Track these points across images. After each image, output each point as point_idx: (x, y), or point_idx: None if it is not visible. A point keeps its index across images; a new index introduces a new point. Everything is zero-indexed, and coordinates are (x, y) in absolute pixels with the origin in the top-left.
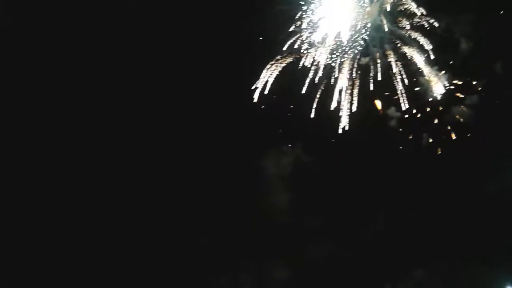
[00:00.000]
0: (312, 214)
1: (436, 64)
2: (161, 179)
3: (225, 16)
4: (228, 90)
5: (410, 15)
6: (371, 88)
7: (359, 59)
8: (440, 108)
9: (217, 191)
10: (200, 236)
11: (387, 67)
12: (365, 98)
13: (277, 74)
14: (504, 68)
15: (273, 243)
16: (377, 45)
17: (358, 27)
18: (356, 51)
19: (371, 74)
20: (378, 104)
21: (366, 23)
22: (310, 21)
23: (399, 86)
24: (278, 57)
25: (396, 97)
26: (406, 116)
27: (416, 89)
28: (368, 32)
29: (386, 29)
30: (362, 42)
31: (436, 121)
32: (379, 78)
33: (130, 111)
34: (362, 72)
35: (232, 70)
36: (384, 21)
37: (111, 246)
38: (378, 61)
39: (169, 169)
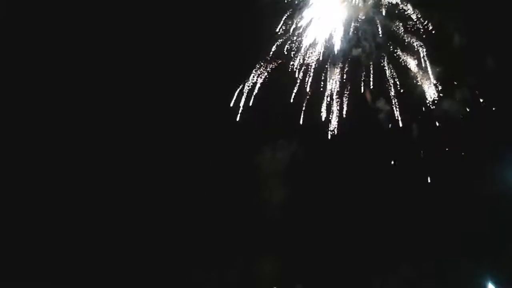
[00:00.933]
0: (303, 210)
1: (428, 59)
2: (152, 175)
3: (220, 15)
4: (220, 89)
5: (403, 10)
6: (362, 80)
7: (350, 51)
8: (430, 104)
9: (210, 188)
10: (191, 231)
11: (378, 60)
12: (356, 93)
13: (267, 76)
14: (497, 63)
15: (262, 238)
16: (368, 38)
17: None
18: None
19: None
20: (368, 97)
21: (358, 17)
22: (301, 19)
23: (390, 80)
24: (268, 58)
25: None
26: (396, 110)
27: (402, 90)
28: (359, 25)
29: (378, 23)
30: (353, 35)
31: (426, 116)
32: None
33: (122, 110)
34: (353, 67)
35: (221, 69)
36: (376, 17)
37: (98, 241)
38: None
39: (161, 166)
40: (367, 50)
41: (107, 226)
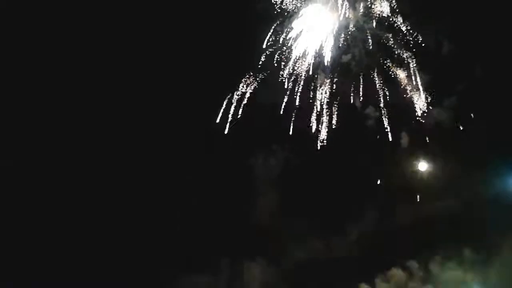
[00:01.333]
0: (295, 215)
1: (417, 66)
2: (147, 177)
3: (210, 25)
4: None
5: (393, 22)
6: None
7: (340, 61)
8: (420, 110)
9: (203, 191)
10: (182, 233)
11: (367, 67)
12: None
13: (256, 86)
14: (484, 71)
15: (253, 243)
16: (358, 45)
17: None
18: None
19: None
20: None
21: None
22: (291, 29)
23: (379, 88)
24: (259, 66)
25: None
26: (385, 118)
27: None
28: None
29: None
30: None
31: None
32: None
33: (121, 112)
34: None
35: (211, 78)
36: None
37: (96, 242)
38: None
39: (156, 168)
40: (357, 58)
41: (102, 229)
